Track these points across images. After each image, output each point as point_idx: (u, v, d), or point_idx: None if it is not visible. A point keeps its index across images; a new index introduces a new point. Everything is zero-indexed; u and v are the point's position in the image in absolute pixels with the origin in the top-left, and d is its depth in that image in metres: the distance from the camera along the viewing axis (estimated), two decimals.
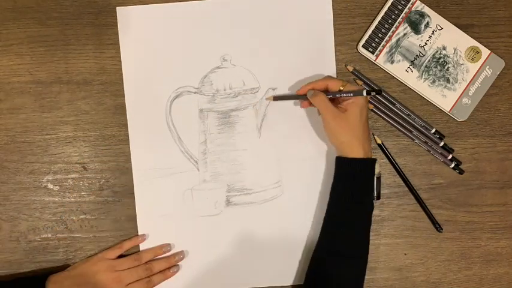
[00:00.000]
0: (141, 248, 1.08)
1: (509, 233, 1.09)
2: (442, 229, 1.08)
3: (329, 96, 0.99)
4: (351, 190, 0.99)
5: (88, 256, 1.08)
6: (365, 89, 1.00)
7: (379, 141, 1.07)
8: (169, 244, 1.08)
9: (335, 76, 1.07)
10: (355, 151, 0.98)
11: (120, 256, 1.07)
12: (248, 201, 1.08)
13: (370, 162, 0.99)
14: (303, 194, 1.08)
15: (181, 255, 1.07)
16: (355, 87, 0.99)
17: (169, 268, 1.07)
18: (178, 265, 1.08)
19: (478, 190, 1.09)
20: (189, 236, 1.08)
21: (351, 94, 0.97)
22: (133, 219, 1.08)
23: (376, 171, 1.04)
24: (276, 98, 1.06)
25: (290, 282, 1.08)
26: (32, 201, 1.08)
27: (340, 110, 0.99)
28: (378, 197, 1.06)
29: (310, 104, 1.01)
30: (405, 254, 1.09)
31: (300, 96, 1.04)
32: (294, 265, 1.08)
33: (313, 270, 1.00)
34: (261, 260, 1.08)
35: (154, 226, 1.08)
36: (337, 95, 0.99)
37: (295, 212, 1.08)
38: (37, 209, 1.08)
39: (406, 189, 1.08)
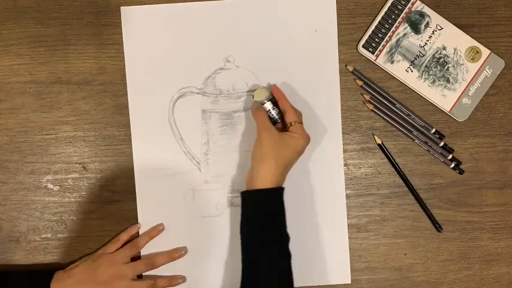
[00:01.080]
0: (143, 255, 1.08)
1: (509, 233, 1.09)
2: (442, 229, 1.08)
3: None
4: (257, 230, 0.97)
5: (88, 254, 1.08)
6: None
7: (379, 141, 1.08)
8: (161, 224, 1.07)
9: (338, 76, 1.08)
10: (266, 181, 0.96)
11: None
12: None
13: (280, 192, 0.98)
14: (304, 195, 1.08)
15: (182, 250, 1.07)
16: (307, 136, 1.00)
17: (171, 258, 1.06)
18: (183, 277, 1.07)
19: (478, 190, 1.09)
20: (190, 236, 1.08)
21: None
22: (133, 219, 1.08)
23: (267, 96, 1.03)
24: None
25: None
26: (32, 201, 1.08)
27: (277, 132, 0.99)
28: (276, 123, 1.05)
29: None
30: (405, 254, 1.09)
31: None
32: (294, 265, 1.08)
33: None
34: None
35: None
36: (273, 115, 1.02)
37: (297, 213, 1.08)
38: (37, 209, 1.08)
39: (406, 189, 1.09)
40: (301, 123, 1.01)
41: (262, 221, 0.97)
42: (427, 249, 1.09)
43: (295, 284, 1.05)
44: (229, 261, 1.08)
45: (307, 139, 1.00)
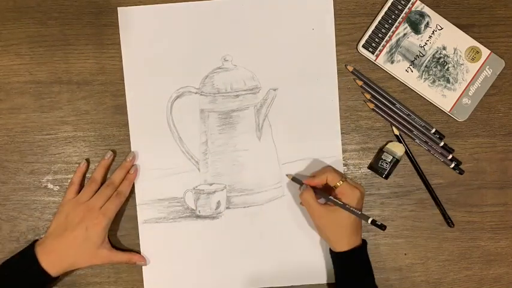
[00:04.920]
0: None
1: (509, 233, 1.09)
2: (453, 224, 1.08)
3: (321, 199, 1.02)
4: (349, 283, 1.01)
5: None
6: (369, 217, 0.99)
7: (397, 133, 1.07)
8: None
9: (336, 75, 1.07)
10: (341, 246, 1.00)
11: None
12: (249, 201, 1.08)
13: (359, 251, 1.01)
14: None
15: (131, 156, 1.07)
16: (358, 191, 0.99)
17: (128, 173, 1.07)
18: (135, 165, 1.07)
19: (478, 190, 1.09)
20: (189, 236, 1.08)
21: (357, 211, 0.98)
22: (133, 219, 1.08)
23: (400, 154, 1.05)
24: (294, 180, 1.07)
25: (290, 283, 1.08)
26: (32, 201, 1.08)
27: (328, 207, 1.00)
28: (387, 177, 1.07)
29: None
30: (405, 254, 1.09)
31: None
32: (294, 265, 1.08)
33: None
34: (261, 261, 1.08)
35: (155, 227, 1.08)
36: (339, 204, 0.99)
37: (296, 213, 1.08)
38: (37, 209, 1.08)
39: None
40: (343, 181, 1.00)
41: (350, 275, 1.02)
42: (427, 249, 1.09)
43: (299, 282, 1.06)
44: (228, 260, 1.08)
45: (356, 191, 0.99)
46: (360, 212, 0.98)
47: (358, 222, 1.00)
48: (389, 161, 1.05)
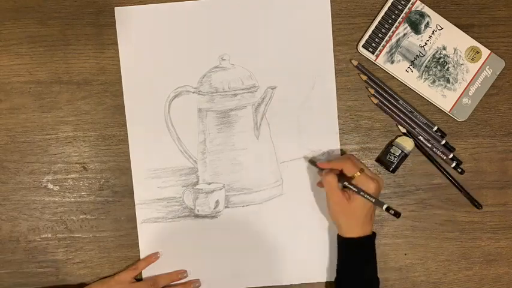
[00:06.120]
0: (142, 255, 1.09)
1: (509, 233, 1.09)
2: (481, 206, 1.08)
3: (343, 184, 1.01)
4: (352, 269, 1.02)
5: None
6: (384, 203, 0.98)
7: (404, 130, 1.07)
8: (185, 271, 1.08)
9: (333, 75, 1.08)
10: (351, 233, 1.00)
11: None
12: (248, 200, 1.08)
13: (367, 240, 1.00)
14: (302, 193, 1.08)
15: (197, 283, 1.08)
16: (373, 184, 0.98)
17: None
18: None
19: (478, 190, 1.08)
20: (188, 235, 1.08)
21: (371, 199, 0.97)
22: (133, 219, 1.08)
23: (409, 149, 1.05)
24: (311, 162, 1.07)
25: (290, 282, 1.08)
26: (32, 201, 1.08)
27: (347, 196, 0.99)
28: (394, 171, 1.07)
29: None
30: (405, 254, 1.09)
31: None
32: (294, 264, 1.08)
33: None
34: (260, 259, 1.08)
35: (153, 226, 1.08)
36: (353, 190, 0.99)
37: (295, 212, 1.08)
38: (37, 209, 1.08)
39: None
40: (362, 170, 0.99)
41: (356, 263, 1.02)
42: (427, 249, 1.09)
43: (298, 281, 1.06)
44: (227, 259, 1.08)
45: (372, 184, 0.98)
46: (374, 199, 0.97)
47: (371, 213, 1.00)
48: (397, 154, 1.05)
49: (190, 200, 1.08)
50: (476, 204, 1.08)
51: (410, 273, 1.09)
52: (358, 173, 0.98)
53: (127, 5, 1.07)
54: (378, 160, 1.08)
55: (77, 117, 1.08)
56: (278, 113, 1.08)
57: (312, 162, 1.07)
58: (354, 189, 0.98)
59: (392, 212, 0.97)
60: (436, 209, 1.08)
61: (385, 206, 0.97)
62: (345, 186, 1.00)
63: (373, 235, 1.01)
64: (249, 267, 1.08)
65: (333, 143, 1.08)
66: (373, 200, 0.97)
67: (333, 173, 1.00)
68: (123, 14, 1.07)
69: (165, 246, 1.08)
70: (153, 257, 1.07)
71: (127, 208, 1.08)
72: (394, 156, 1.05)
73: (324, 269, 1.08)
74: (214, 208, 1.08)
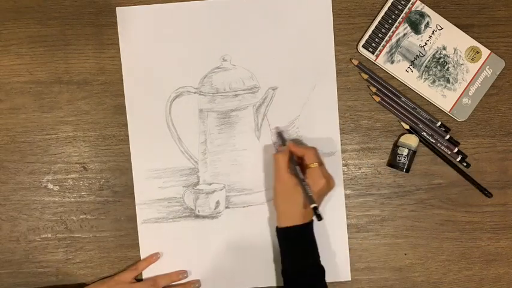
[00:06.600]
0: (142, 256, 1.09)
1: (509, 233, 1.09)
2: (492, 195, 1.08)
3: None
4: (292, 260, 1.01)
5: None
6: (314, 203, 0.96)
7: (407, 127, 1.07)
8: (185, 271, 1.08)
9: (334, 75, 1.07)
10: (285, 220, 1.00)
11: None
12: (248, 201, 1.08)
13: (302, 229, 0.99)
14: None
15: (197, 283, 1.08)
16: (323, 181, 0.98)
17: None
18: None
19: (478, 190, 1.08)
20: (188, 236, 1.08)
21: (307, 191, 0.96)
22: (133, 219, 1.08)
23: (414, 145, 1.05)
24: (279, 135, 1.07)
25: None
26: (32, 201, 1.08)
27: (293, 179, 0.99)
28: (407, 170, 1.07)
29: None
30: (405, 254, 1.09)
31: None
32: None
33: None
34: (260, 260, 1.08)
35: (153, 226, 1.08)
36: (299, 177, 0.98)
37: None
38: (37, 209, 1.08)
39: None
40: (318, 164, 0.99)
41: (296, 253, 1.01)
42: (427, 249, 1.09)
43: None
44: (227, 260, 1.08)
45: (322, 180, 0.98)
46: (310, 194, 0.96)
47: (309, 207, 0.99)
48: (405, 154, 1.05)
49: (191, 201, 1.08)
50: (487, 193, 1.08)
51: (410, 273, 1.09)
52: (316, 164, 0.99)
53: (127, 5, 1.07)
54: (390, 165, 1.08)
55: (77, 117, 1.08)
56: (279, 113, 1.08)
57: (280, 136, 1.06)
58: (300, 175, 0.98)
59: (318, 213, 0.95)
60: (436, 209, 1.08)
61: (313, 205, 0.96)
62: (294, 170, 0.99)
63: (309, 223, 1.00)
64: (249, 267, 1.08)
65: (333, 143, 1.08)
66: (309, 194, 0.96)
67: (286, 154, 1.00)
68: (124, 14, 1.07)
69: (165, 247, 1.08)
70: (154, 257, 1.07)
71: (127, 208, 1.08)
72: (403, 156, 1.05)
73: (325, 268, 1.08)
74: (215, 209, 1.08)
